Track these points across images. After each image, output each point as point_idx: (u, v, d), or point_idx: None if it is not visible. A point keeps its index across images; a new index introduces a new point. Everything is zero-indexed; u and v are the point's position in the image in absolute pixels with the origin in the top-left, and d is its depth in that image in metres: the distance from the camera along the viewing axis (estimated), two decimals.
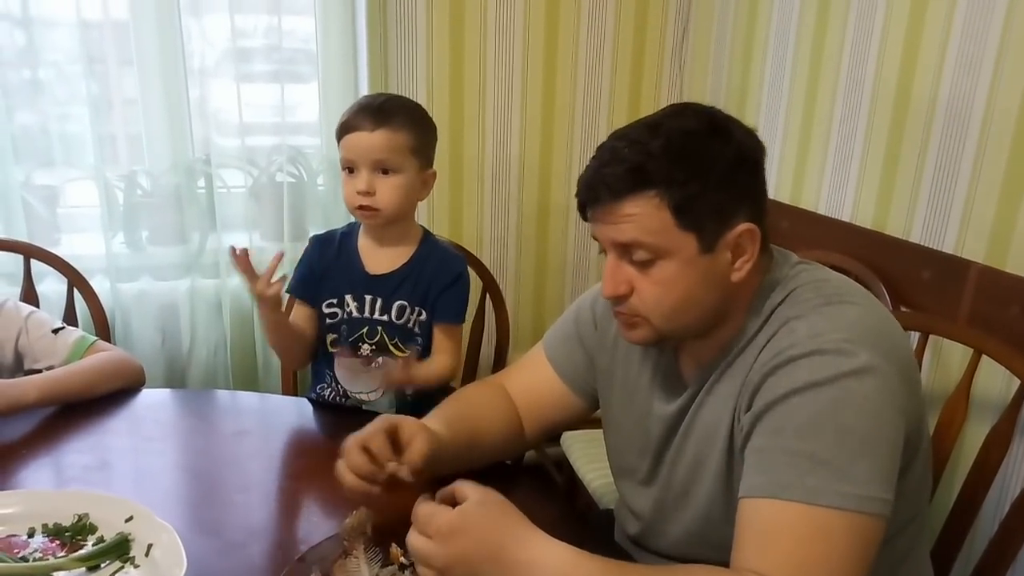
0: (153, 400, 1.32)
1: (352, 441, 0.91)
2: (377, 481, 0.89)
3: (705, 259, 0.83)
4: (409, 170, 1.26)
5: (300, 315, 1.34)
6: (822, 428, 0.77)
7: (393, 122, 1.24)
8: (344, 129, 1.26)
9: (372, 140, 1.23)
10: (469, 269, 1.68)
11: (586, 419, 1.14)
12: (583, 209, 0.87)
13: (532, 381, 1.11)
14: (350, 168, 1.25)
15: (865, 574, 0.76)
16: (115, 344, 1.80)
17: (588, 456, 1.70)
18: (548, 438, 1.32)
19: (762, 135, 0.92)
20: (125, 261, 1.88)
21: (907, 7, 1.48)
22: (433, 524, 0.77)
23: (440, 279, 1.31)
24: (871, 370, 0.77)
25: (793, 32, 1.79)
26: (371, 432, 0.91)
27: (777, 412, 0.79)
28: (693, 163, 0.81)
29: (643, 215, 0.81)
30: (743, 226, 0.83)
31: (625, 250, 0.84)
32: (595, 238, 0.88)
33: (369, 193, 1.23)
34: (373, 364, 1.28)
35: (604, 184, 0.83)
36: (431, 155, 1.31)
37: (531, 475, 1.09)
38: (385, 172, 1.23)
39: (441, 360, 1.31)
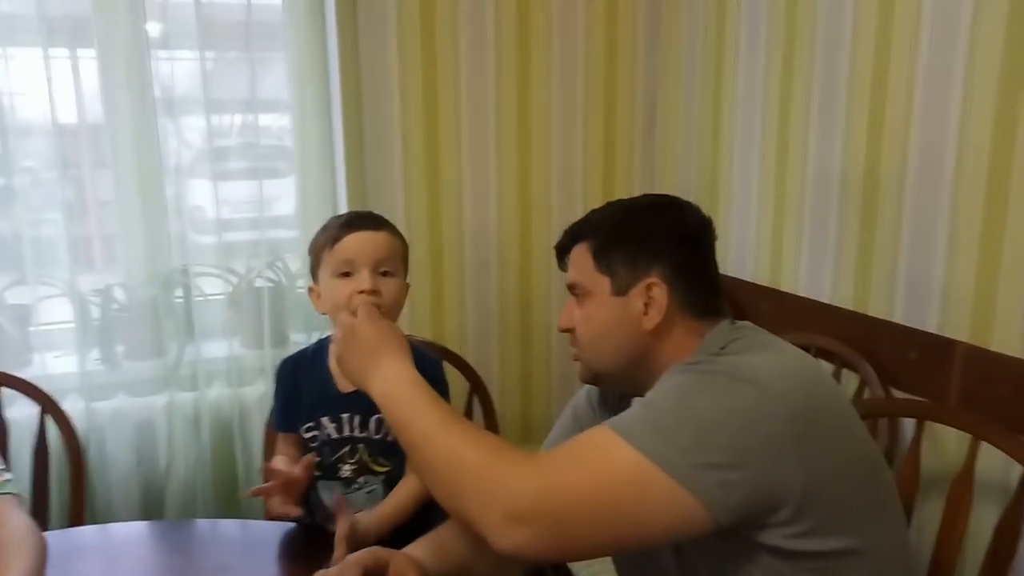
0: (129, 534, 1.26)
1: None
2: None
3: (618, 301, 0.96)
4: (400, 278, 1.23)
5: (287, 443, 1.30)
6: (670, 393, 0.84)
7: (390, 227, 1.25)
8: (341, 232, 1.21)
9: (376, 239, 1.20)
10: (453, 369, 1.67)
11: None
12: (559, 262, 1.07)
13: None
14: (345, 273, 1.19)
15: (609, 507, 0.78)
16: (87, 469, 1.74)
17: None
18: None
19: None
20: (100, 378, 1.83)
21: (868, 91, 1.53)
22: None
23: None
24: (757, 386, 0.80)
25: (759, 118, 1.83)
26: (347, 566, 0.89)
27: None
28: (619, 222, 1.00)
29: (576, 260, 1.01)
30: (651, 280, 0.95)
31: (572, 290, 1.02)
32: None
33: (375, 291, 1.17)
34: (353, 486, 1.24)
35: (563, 238, 1.05)
36: (408, 268, 1.30)
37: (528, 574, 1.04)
38: (384, 274, 1.20)
39: (413, 480, 1.21)
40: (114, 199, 1.84)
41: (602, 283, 0.97)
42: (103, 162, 1.83)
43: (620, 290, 0.96)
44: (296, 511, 1.15)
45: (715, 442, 0.77)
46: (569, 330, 1.02)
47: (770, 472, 0.77)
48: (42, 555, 0.99)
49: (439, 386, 1.25)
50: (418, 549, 0.97)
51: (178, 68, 1.88)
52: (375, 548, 0.93)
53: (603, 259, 0.98)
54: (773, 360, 0.86)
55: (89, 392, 1.79)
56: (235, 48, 1.91)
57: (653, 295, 0.95)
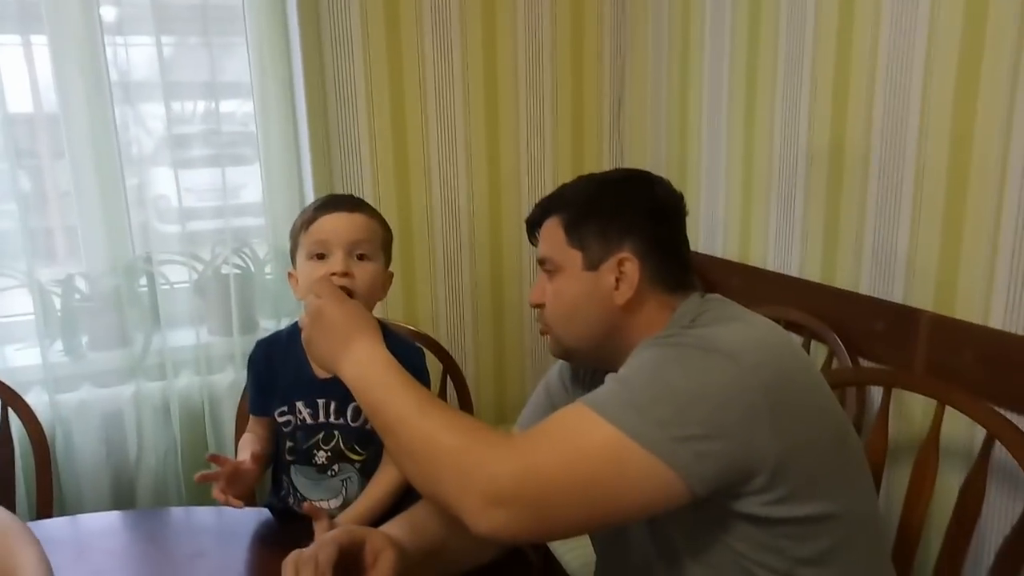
0: (101, 525, 1.24)
1: (295, 557, 0.84)
2: None
3: (589, 276, 0.96)
4: (378, 263, 1.21)
5: (259, 424, 1.28)
6: (644, 367, 0.83)
7: (367, 210, 1.23)
8: (316, 214, 1.19)
9: (352, 221, 1.18)
10: (426, 351, 1.66)
11: None
12: (530, 237, 1.07)
13: None
14: (319, 255, 1.17)
15: (588, 486, 0.77)
16: (56, 461, 1.71)
17: None
18: None
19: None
20: (64, 370, 1.79)
21: (831, 67, 1.54)
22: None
23: None
24: (730, 358, 0.80)
25: (725, 95, 1.84)
26: (322, 544, 0.86)
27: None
28: (591, 196, 0.99)
29: (547, 234, 1.00)
30: (623, 254, 0.95)
31: (542, 265, 1.01)
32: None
33: (347, 274, 1.15)
34: (328, 472, 1.22)
35: (534, 212, 1.05)
36: (391, 256, 1.29)
37: (505, 554, 1.04)
38: (360, 258, 1.18)
39: (388, 473, 1.20)
40: (72, 189, 1.80)
41: (573, 257, 0.97)
42: (61, 151, 1.78)
43: (591, 264, 0.96)
44: (238, 503, 1.12)
45: (692, 416, 0.77)
46: (540, 305, 1.02)
47: (746, 444, 0.78)
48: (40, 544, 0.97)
49: (420, 375, 1.24)
50: (393, 527, 0.96)
51: (135, 54, 1.84)
52: (351, 526, 0.92)
53: (575, 233, 0.97)
54: (744, 331, 0.86)
55: (53, 384, 1.75)
56: (193, 33, 1.86)
57: (625, 270, 0.94)
